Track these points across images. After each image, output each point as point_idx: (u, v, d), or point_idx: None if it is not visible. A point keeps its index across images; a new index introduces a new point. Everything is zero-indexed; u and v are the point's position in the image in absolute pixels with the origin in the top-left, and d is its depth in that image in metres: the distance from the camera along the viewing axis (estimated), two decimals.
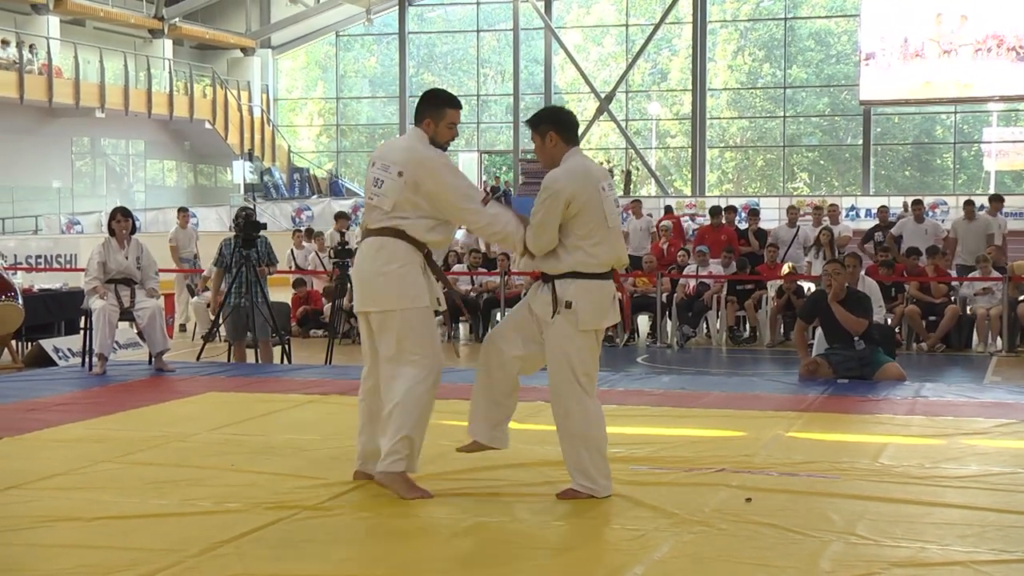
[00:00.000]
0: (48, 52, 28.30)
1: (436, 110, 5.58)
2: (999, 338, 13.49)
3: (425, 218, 5.46)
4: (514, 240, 5.50)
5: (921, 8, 29.52)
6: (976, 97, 30.15)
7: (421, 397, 5.40)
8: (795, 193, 32.75)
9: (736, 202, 24.40)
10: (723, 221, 16.53)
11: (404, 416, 5.35)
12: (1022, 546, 4.60)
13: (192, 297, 15.73)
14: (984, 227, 15.54)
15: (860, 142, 32.43)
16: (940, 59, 29.28)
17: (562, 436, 5.44)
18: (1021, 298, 13.56)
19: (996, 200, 16.45)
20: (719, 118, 34.58)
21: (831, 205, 17.64)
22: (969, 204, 16.13)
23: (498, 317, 15.11)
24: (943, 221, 17.78)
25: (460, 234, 17.62)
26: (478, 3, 35.27)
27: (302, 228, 19.66)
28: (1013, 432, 7.07)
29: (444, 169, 5.47)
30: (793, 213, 16.54)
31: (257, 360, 11.22)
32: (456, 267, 15.91)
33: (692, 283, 14.85)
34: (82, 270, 10.87)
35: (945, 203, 26.26)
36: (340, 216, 17.09)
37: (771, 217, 24.38)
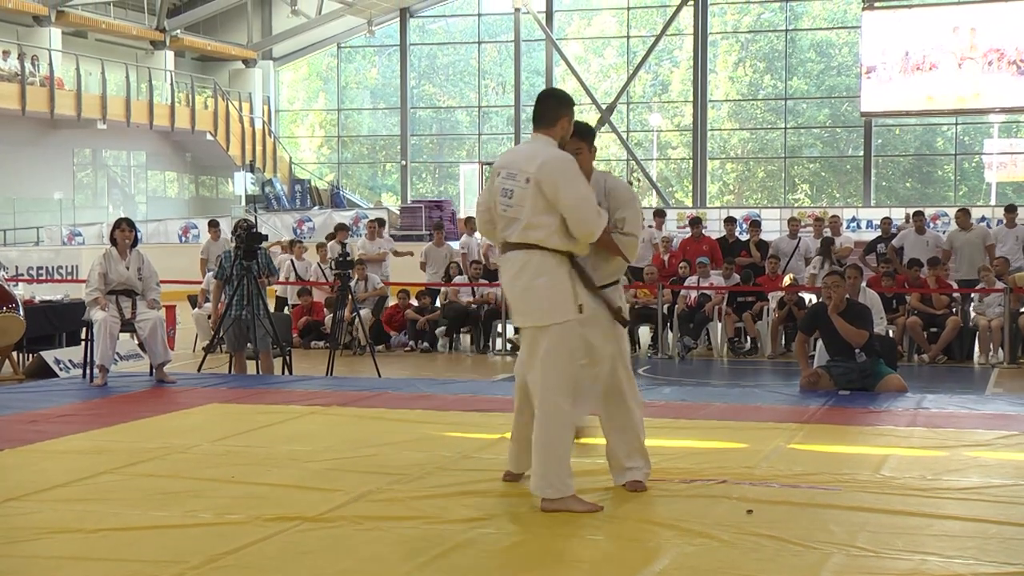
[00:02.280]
0: (50, 64, 28.37)
1: (570, 109, 5.62)
2: (1000, 349, 13.49)
3: (560, 227, 5.37)
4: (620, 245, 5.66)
5: (922, 21, 29.60)
6: (977, 109, 30.20)
7: (566, 415, 5.41)
8: (796, 204, 32.77)
9: (737, 213, 24.41)
10: (703, 231, 16.58)
11: (549, 434, 5.36)
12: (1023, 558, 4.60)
13: (193, 309, 15.75)
14: (982, 238, 15.47)
15: (861, 153, 32.47)
16: (941, 72, 29.33)
17: (628, 429, 5.72)
18: (1022, 309, 13.55)
19: (1010, 211, 16.26)
20: (720, 129, 34.62)
21: (832, 216, 17.64)
22: (963, 213, 15.89)
23: (499, 328, 15.13)
24: (943, 233, 17.74)
25: (456, 244, 17.63)
26: (479, 15, 35.33)
27: (302, 239, 19.65)
28: (1015, 444, 7.06)
29: (573, 173, 5.40)
30: (795, 225, 16.51)
31: (258, 371, 11.22)
32: (457, 278, 15.92)
33: (693, 294, 14.86)
34: (83, 281, 10.88)
35: (946, 214, 26.24)
36: (341, 228, 17.08)
37: (772, 228, 24.38)
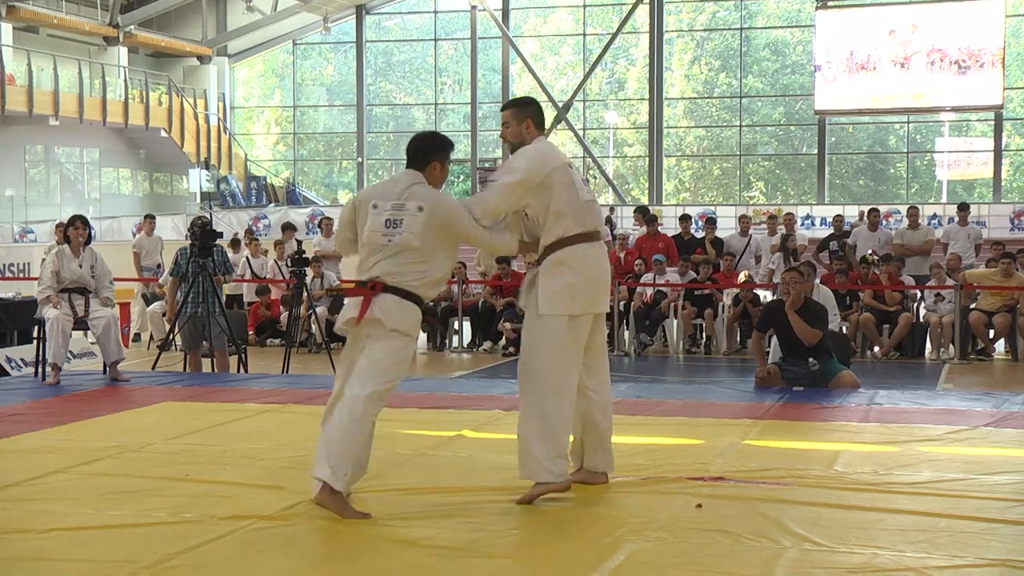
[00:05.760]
0: (0, 59, 28.02)
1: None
2: (951, 346, 13.64)
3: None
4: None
5: (867, 21, 29.89)
6: (924, 108, 30.55)
7: None
8: (751, 202, 32.97)
9: (693, 211, 24.51)
10: (658, 229, 16.64)
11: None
12: (972, 551, 4.66)
13: (148, 306, 15.63)
14: (924, 236, 15.75)
15: (815, 151, 32.72)
16: (884, 71, 29.66)
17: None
18: (973, 306, 13.72)
19: (962, 209, 16.69)
20: (676, 127, 34.77)
21: (787, 214, 17.77)
22: (913, 211, 16.25)
23: (455, 326, 15.13)
24: (893, 230, 18.02)
25: None
26: (435, 12, 35.28)
27: (258, 237, 19.51)
28: (965, 439, 7.15)
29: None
30: (745, 222, 16.57)
31: (213, 369, 11.16)
32: None
33: (649, 292, 14.91)
34: (35, 279, 10.78)
35: (899, 212, 26.51)
36: (287, 227, 16.97)
37: (728, 226, 24.48)
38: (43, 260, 15.37)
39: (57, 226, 16.92)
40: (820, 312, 9.75)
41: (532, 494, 5.45)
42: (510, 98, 33.06)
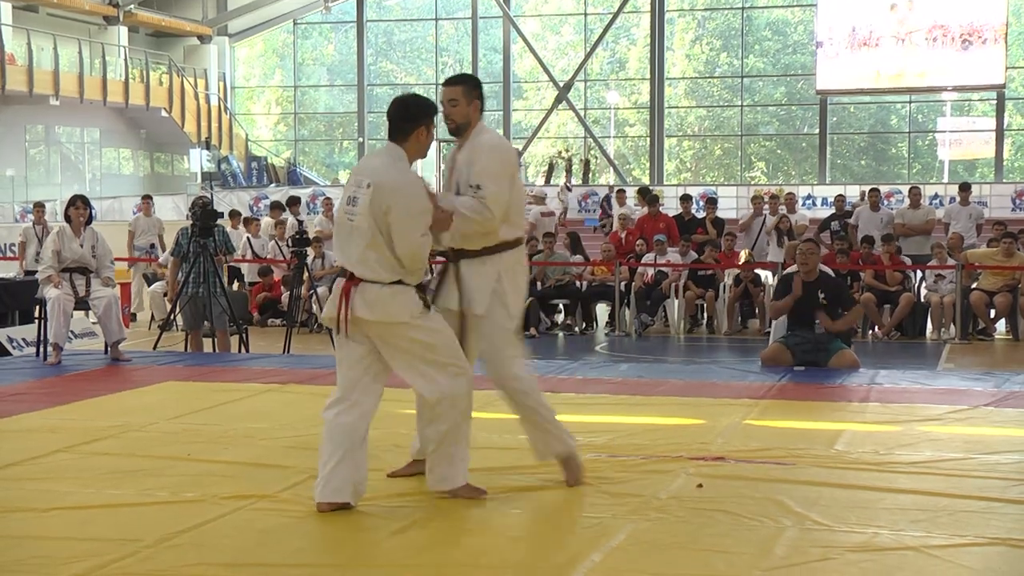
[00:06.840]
0: (0, 38, 27.96)
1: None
2: (952, 325, 13.64)
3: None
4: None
5: None
6: (929, 87, 30.41)
7: None
8: (752, 182, 32.93)
9: (694, 191, 24.49)
10: (660, 209, 16.61)
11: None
12: (972, 530, 4.67)
13: (148, 286, 15.64)
14: (925, 216, 15.74)
15: (817, 131, 32.65)
16: (886, 48, 29.50)
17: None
18: (974, 286, 13.72)
19: (964, 189, 16.65)
20: (677, 107, 34.70)
21: (788, 194, 17.74)
22: (914, 191, 16.24)
23: None
24: (894, 210, 17.99)
25: None
26: None
27: (259, 217, 19.49)
28: (965, 418, 7.16)
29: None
30: (758, 203, 16.53)
31: (214, 349, 11.17)
32: None
33: (650, 272, 14.91)
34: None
35: (900, 191, 26.45)
36: (275, 206, 16.91)
37: (729, 206, 24.47)
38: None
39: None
40: (839, 285, 9.75)
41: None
42: (512, 77, 32.78)
